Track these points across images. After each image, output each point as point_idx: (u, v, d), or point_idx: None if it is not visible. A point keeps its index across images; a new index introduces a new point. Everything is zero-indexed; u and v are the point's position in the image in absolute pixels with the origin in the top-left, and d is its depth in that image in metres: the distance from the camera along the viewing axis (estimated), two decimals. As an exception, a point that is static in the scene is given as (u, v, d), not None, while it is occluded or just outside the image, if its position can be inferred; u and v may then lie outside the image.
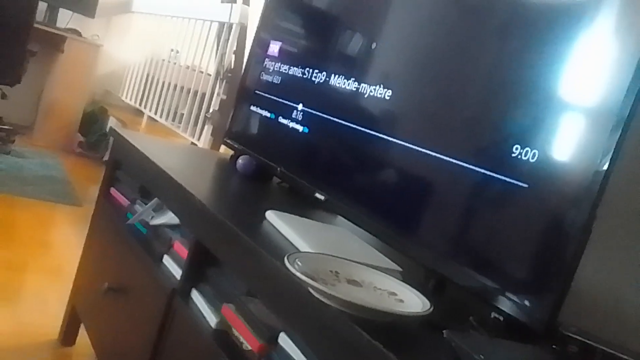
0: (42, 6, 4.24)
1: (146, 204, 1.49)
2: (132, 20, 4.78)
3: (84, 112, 4.45)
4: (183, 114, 3.42)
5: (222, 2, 3.39)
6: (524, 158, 0.90)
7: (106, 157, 4.13)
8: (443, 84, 1.11)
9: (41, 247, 2.53)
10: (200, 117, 3.15)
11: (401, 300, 0.87)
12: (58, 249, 2.59)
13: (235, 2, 3.10)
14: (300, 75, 1.51)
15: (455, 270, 0.98)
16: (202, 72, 3.40)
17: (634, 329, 1.01)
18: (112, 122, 4.40)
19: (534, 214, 0.88)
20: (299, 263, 0.87)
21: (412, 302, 0.87)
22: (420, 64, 1.19)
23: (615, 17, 0.86)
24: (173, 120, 3.59)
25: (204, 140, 3.08)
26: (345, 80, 1.33)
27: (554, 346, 0.86)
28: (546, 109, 0.90)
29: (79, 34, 4.39)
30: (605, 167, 0.80)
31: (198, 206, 1.19)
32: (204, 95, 3.19)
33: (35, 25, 3.54)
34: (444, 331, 0.79)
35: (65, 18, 4.41)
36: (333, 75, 1.38)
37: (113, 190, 1.70)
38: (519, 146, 0.91)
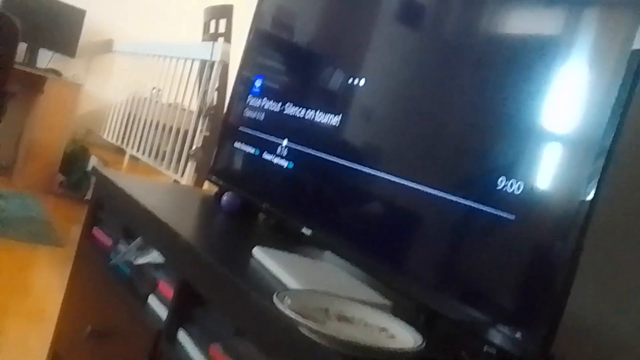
0: (21, 47, 4.25)
1: (130, 244, 1.47)
2: (113, 59, 4.79)
3: (64, 152, 4.41)
4: (165, 152, 3.41)
5: (203, 40, 3.42)
6: (509, 190, 0.90)
7: (88, 197, 4.09)
8: (427, 117, 1.12)
9: (21, 290, 2.47)
10: (183, 154, 3.14)
11: (392, 336, 0.86)
12: (39, 292, 2.54)
13: (216, 40, 3.12)
14: (284, 111, 1.51)
15: (445, 304, 0.97)
16: (184, 110, 3.40)
17: (627, 356, 1.01)
18: (93, 162, 4.37)
19: (522, 246, 0.88)
20: (288, 301, 0.85)
21: (403, 337, 0.85)
22: (403, 98, 1.20)
23: (593, 46, 0.87)
24: (155, 158, 3.58)
25: (187, 178, 3.07)
26: (329, 115, 1.34)
27: (547, 379, 0.85)
28: (530, 140, 0.91)
29: (60, 74, 4.39)
30: (591, 196, 0.81)
31: (183, 245, 1.17)
32: (186, 132, 3.19)
33: (15, 66, 3.54)
34: (437, 367, 0.78)
35: (46, 58, 4.42)
36: (317, 110, 1.39)
37: (95, 231, 1.68)
38: (504, 178, 0.91)
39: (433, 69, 1.15)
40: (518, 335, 0.85)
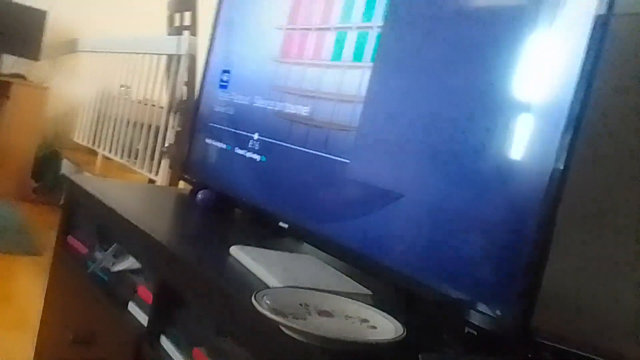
0: (-17, 53, 4.15)
1: (106, 250, 1.45)
2: (78, 59, 4.69)
3: (36, 157, 4.33)
4: (138, 150, 3.37)
5: (168, 34, 3.36)
6: (481, 166, 0.90)
7: (62, 201, 4.02)
8: (395, 100, 1.12)
9: (2, 300, 2.44)
10: (156, 151, 3.10)
11: (374, 327, 0.86)
12: (20, 301, 2.50)
13: (182, 33, 3.07)
14: (254, 103, 1.49)
15: (423, 287, 0.98)
16: (154, 106, 3.35)
17: (606, 327, 1.02)
18: (65, 165, 4.30)
19: (495, 222, 0.89)
20: (267, 301, 0.85)
21: (385, 327, 0.85)
22: (371, 83, 1.19)
23: (558, 18, 0.87)
24: (129, 157, 3.53)
25: (161, 175, 3.03)
26: (299, 106, 1.33)
27: (529, 355, 0.86)
28: (499, 114, 0.91)
29: (25, 78, 4.30)
30: (561, 167, 0.81)
31: (159, 248, 1.16)
32: (158, 128, 3.15)
33: (-22, 73, 3.46)
34: (419, 355, 0.78)
35: (9, 63, 4.32)
36: (286, 101, 1.37)
37: (70, 239, 1.65)
38: (475, 156, 0.91)
39: (398, 48, 1.14)
40: (498, 312, 0.85)
